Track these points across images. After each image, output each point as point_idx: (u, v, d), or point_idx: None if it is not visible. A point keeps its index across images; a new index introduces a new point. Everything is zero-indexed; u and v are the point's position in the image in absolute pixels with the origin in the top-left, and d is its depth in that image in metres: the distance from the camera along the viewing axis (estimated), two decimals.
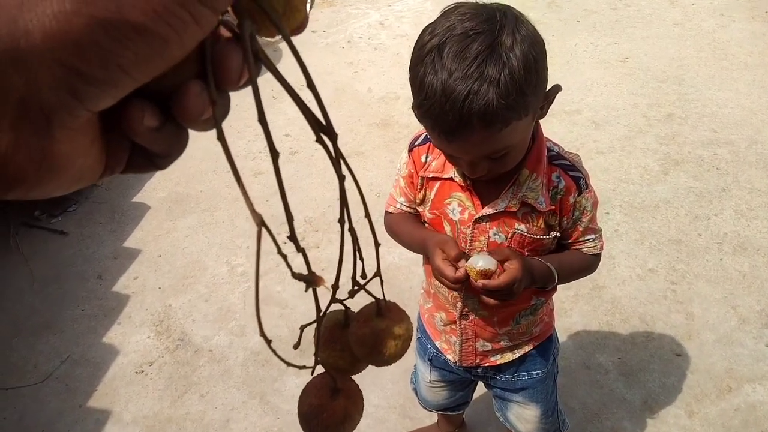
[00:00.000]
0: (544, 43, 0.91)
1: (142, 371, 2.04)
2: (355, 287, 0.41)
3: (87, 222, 2.70)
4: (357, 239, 0.38)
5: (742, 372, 1.88)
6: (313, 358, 0.44)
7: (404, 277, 2.28)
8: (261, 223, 0.30)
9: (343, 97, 3.55)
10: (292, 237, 0.34)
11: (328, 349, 0.43)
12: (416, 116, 0.94)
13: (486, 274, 0.98)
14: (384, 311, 0.42)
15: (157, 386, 1.99)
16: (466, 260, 1.00)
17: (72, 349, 2.12)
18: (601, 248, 1.15)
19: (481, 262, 0.98)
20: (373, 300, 0.44)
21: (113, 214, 2.73)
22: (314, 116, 0.32)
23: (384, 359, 0.42)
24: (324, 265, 2.35)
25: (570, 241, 1.13)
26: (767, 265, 2.21)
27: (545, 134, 1.11)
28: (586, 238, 1.12)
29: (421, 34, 0.91)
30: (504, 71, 0.83)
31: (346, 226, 0.37)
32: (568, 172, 1.06)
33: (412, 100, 0.95)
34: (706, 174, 2.64)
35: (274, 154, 0.31)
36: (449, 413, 1.58)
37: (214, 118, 0.29)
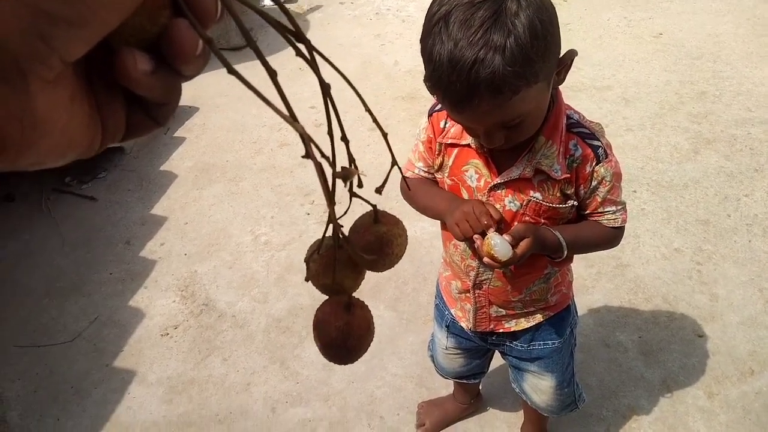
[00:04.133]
0: (553, 8, 0.89)
1: (167, 334, 2.09)
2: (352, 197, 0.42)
3: (116, 189, 2.75)
4: (349, 147, 0.38)
5: (765, 355, 1.85)
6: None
7: (425, 251, 2.29)
8: (303, 132, 0.31)
9: (370, 69, 3.54)
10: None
11: (330, 273, 0.44)
12: (427, 88, 0.93)
13: (494, 258, 0.99)
14: (380, 217, 0.44)
15: (181, 348, 2.04)
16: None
17: (100, 310, 2.18)
18: (623, 221, 1.13)
19: (499, 245, 0.98)
20: (366, 212, 0.45)
21: (141, 182, 2.78)
22: (281, 23, 0.31)
23: (391, 260, 0.44)
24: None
25: (588, 211, 1.12)
26: None
27: (576, 109, 1.09)
28: (605, 210, 1.11)
29: (430, 5, 0.91)
30: (509, 38, 0.82)
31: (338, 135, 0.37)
32: (587, 140, 1.05)
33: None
34: (739, 154, 2.58)
35: (271, 72, 0.32)
36: (465, 382, 1.59)
37: (218, 55, 0.28)
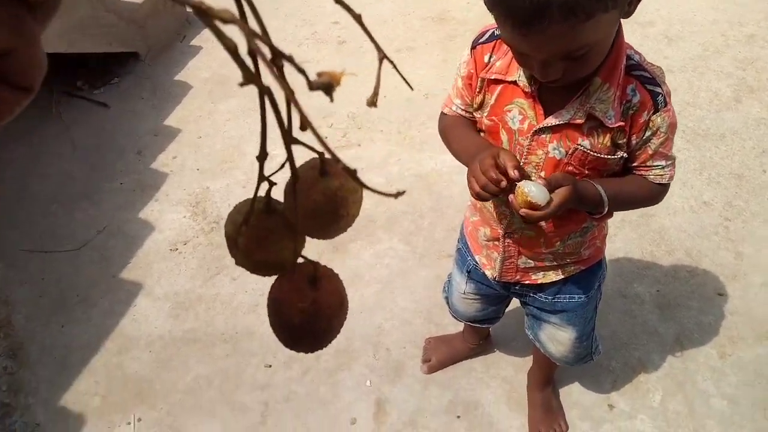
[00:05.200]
0: None
1: (176, 249, 2.06)
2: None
3: (129, 96, 2.66)
4: (284, 77, 0.27)
5: None
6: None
7: (445, 185, 2.21)
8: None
9: None
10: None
11: (266, 245, 0.35)
12: (486, 4, 0.82)
13: (532, 206, 0.91)
14: (328, 168, 0.34)
15: (189, 265, 2.01)
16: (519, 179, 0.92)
17: (109, 220, 2.14)
18: (671, 178, 1.04)
19: (534, 191, 0.90)
20: (308, 160, 0.35)
21: (155, 91, 2.68)
22: None
23: (346, 223, 0.35)
24: (363, 165, 2.29)
25: (636, 164, 1.02)
26: None
27: (636, 48, 0.98)
28: (654, 164, 1.02)
29: None
30: None
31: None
32: (646, 85, 0.95)
33: None
34: None
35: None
36: (478, 326, 1.56)
37: None
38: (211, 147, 2.43)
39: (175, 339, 1.82)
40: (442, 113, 1.16)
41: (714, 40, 2.81)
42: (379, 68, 0.33)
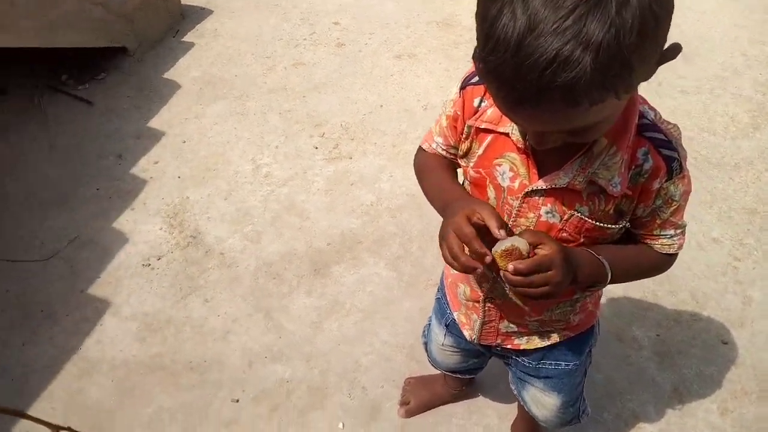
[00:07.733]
0: None
1: (149, 264, 1.95)
2: None
3: (114, 93, 2.54)
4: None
5: None
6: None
7: None
8: None
9: None
10: None
11: None
12: (476, 70, 0.68)
13: (512, 253, 0.77)
14: None
15: (161, 283, 1.90)
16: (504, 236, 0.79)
17: (81, 229, 2.03)
18: (680, 247, 0.91)
19: (507, 242, 0.78)
20: None
21: (142, 89, 2.56)
22: None
23: None
24: (353, 180, 2.17)
25: (641, 232, 0.89)
26: None
27: (651, 104, 0.84)
28: (662, 233, 0.89)
29: None
30: (609, 32, 0.55)
31: None
32: (661, 149, 0.80)
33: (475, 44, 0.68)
34: None
35: None
36: (459, 376, 1.44)
37: None
38: (195, 153, 2.31)
39: (140, 365, 1.71)
40: (421, 148, 1.03)
41: (733, 60, 2.66)
42: None
